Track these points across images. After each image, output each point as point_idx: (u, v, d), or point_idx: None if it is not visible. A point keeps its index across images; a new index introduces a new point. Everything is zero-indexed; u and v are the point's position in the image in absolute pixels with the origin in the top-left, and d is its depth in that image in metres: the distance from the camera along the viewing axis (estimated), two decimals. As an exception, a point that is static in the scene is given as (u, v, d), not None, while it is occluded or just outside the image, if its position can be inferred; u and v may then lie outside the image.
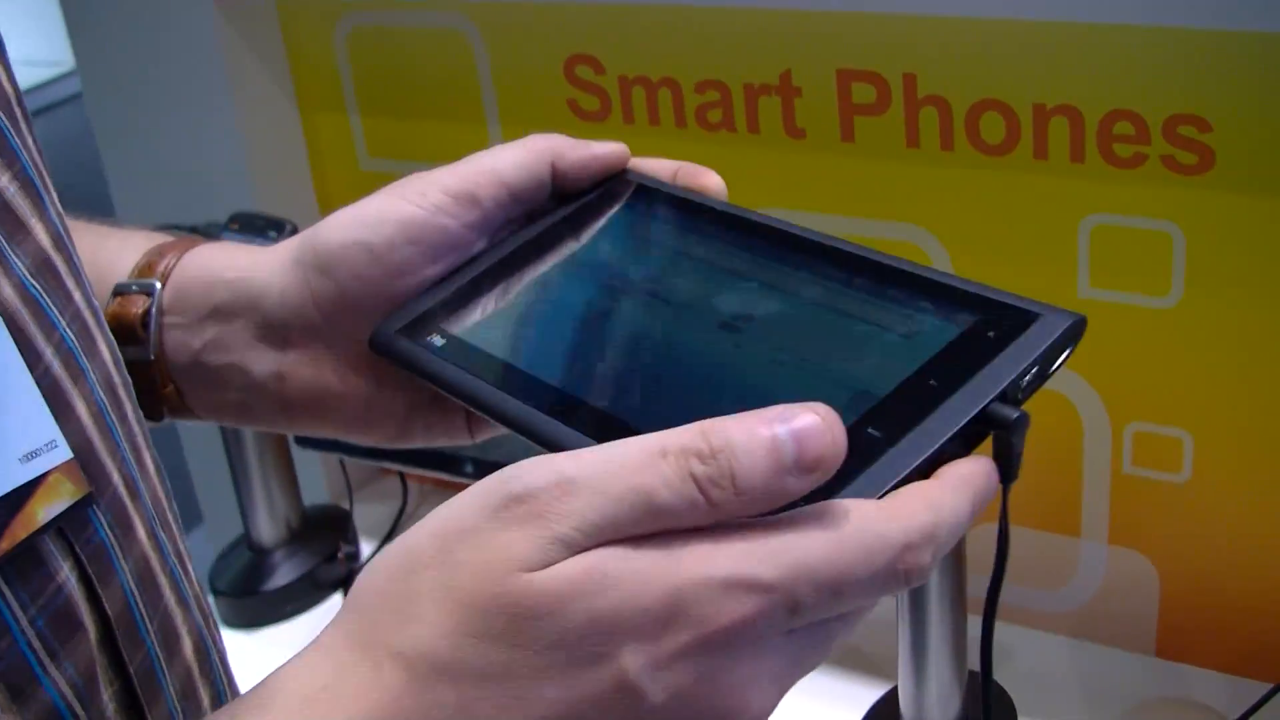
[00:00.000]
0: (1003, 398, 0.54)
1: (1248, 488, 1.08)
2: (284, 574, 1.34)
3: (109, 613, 0.56)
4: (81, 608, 0.54)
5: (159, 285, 0.70)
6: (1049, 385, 1.09)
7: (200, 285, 0.70)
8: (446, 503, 0.49)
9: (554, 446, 0.58)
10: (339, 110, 1.38)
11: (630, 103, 1.18)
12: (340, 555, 1.37)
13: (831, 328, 0.61)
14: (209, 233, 1.31)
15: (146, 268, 0.71)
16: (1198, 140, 0.98)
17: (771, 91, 1.12)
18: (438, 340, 0.65)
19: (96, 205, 1.53)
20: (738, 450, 0.46)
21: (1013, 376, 0.54)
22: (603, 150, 0.72)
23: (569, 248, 0.70)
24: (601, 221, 0.71)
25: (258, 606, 1.34)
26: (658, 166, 0.73)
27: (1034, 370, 0.55)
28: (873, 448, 0.52)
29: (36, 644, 0.52)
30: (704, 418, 0.48)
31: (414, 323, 0.67)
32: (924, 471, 0.51)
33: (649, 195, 0.72)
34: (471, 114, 1.28)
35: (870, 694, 1.13)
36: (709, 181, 0.71)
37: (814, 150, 1.12)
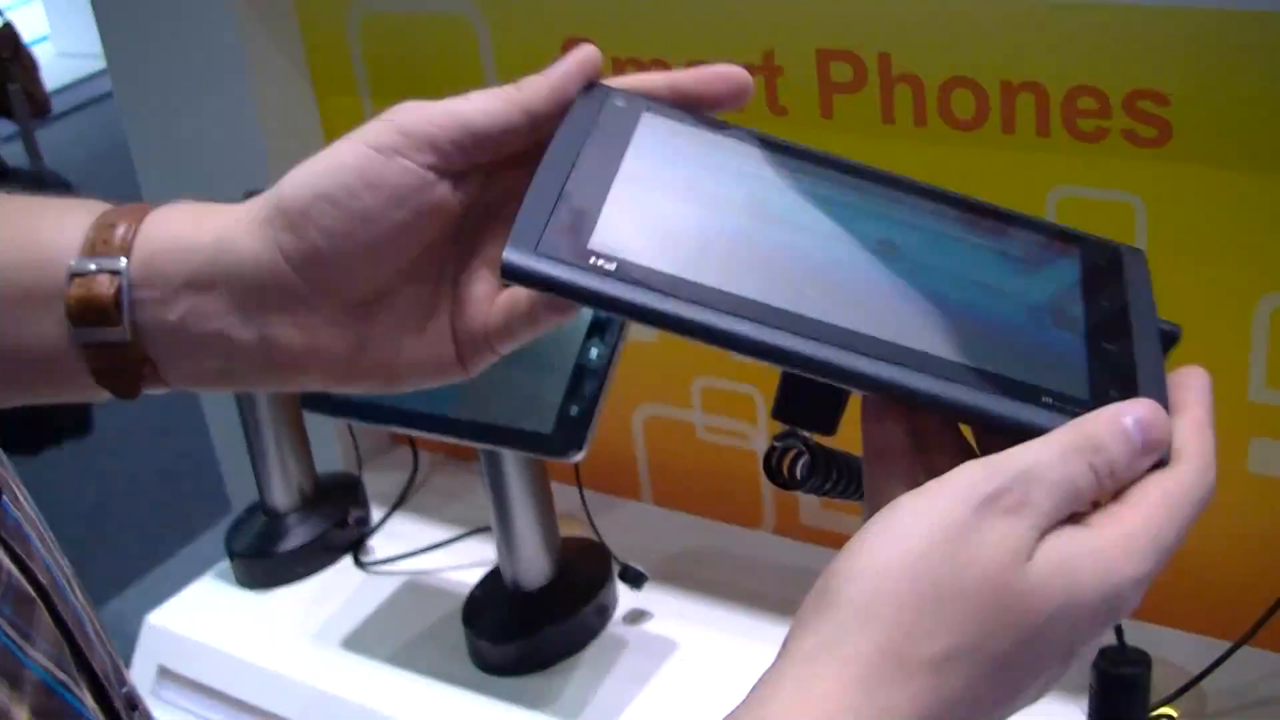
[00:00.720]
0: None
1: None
2: (296, 537, 1.40)
3: (43, 584, 0.58)
4: (26, 585, 0.57)
5: (124, 260, 0.65)
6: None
7: (171, 255, 0.65)
8: (924, 498, 0.53)
9: (833, 374, 0.58)
10: (352, 94, 1.43)
11: (623, 83, 1.23)
12: (350, 520, 1.43)
13: (977, 256, 0.64)
14: (226, 210, 1.36)
15: (101, 243, 0.66)
16: (1156, 114, 1.02)
17: (755, 70, 1.16)
18: (608, 265, 0.59)
19: (127, 189, 1.59)
20: (1110, 444, 0.54)
21: (1152, 301, 0.64)
22: (561, 65, 0.66)
23: (679, 155, 0.65)
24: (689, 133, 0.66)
25: (271, 568, 1.40)
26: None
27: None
28: (1122, 363, 0.60)
29: (11, 631, 0.54)
30: (944, 331, 0.58)
31: (555, 240, 0.59)
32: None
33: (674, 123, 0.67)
34: (476, 96, 1.33)
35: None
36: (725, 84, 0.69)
37: (796, 127, 1.17)
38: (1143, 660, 0.68)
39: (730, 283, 0.59)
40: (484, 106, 0.64)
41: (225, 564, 1.43)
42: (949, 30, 1.07)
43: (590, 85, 0.66)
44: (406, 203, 0.63)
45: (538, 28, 1.27)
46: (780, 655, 0.52)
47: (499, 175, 0.67)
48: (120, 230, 0.65)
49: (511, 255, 0.58)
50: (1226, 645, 1.09)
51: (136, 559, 2.65)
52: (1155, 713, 1.09)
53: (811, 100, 1.15)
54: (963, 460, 0.54)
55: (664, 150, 0.64)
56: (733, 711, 0.52)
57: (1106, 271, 0.65)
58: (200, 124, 1.49)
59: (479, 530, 1.41)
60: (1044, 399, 0.57)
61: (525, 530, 1.24)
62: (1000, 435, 0.56)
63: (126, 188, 1.60)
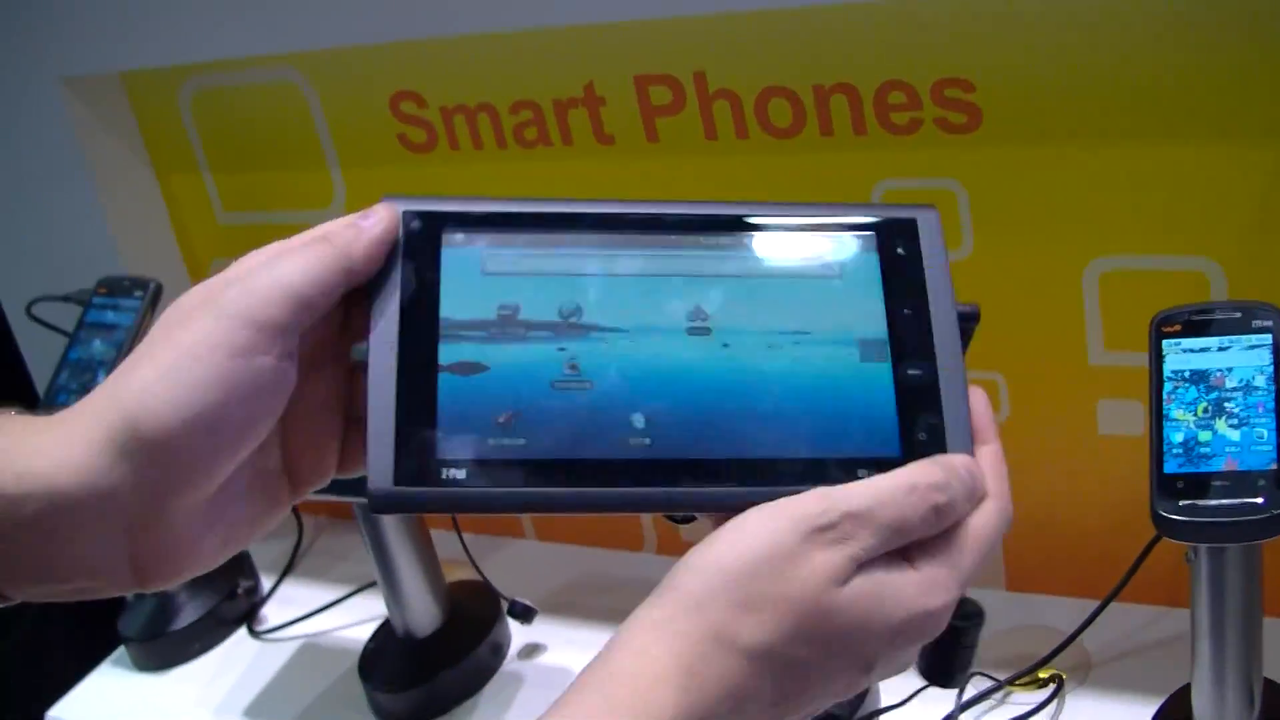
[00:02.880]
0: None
1: (1061, 419, 1.15)
2: (188, 614, 1.40)
3: None
4: None
5: None
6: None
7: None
8: (767, 516, 0.57)
9: (684, 507, 0.62)
10: (192, 170, 1.44)
11: (454, 131, 1.25)
12: (240, 592, 1.43)
13: (781, 292, 0.64)
14: (80, 299, 1.37)
15: None
16: (965, 100, 1.05)
17: (579, 104, 1.19)
18: (458, 473, 0.60)
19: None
20: (955, 489, 0.59)
21: (949, 278, 0.64)
22: (373, 227, 0.62)
23: (467, 322, 0.64)
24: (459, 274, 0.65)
25: (166, 648, 1.40)
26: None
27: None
28: (927, 393, 0.62)
29: None
30: (766, 431, 0.61)
31: (407, 468, 0.60)
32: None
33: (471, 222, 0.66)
34: (313, 160, 1.35)
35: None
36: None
37: (623, 154, 1.19)
38: (975, 613, 0.70)
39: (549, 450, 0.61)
40: (306, 272, 0.60)
41: (121, 650, 1.42)
42: (758, 42, 1.10)
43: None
44: (259, 400, 0.59)
45: (365, 86, 1.28)
46: (630, 620, 0.58)
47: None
48: None
49: (376, 490, 0.60)
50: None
51: (37, 649, 2.61)
52: (1042, 674, 1.12)
53: (635, 126, 1.17)
54: None
55: (473, 302, 0.64)
56: (588, 664, 0.57)
57: (905, 259, 0.65)
58: (44, 218, 1.49)
59: (368, 586, 1.42)
60: (859, 472, 0.60)
61: (410, 580, 1.25)
62: None
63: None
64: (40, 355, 1.54)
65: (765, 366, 0.62)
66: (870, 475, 0.59)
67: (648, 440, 0.61)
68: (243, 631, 1.43)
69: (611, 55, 1.16)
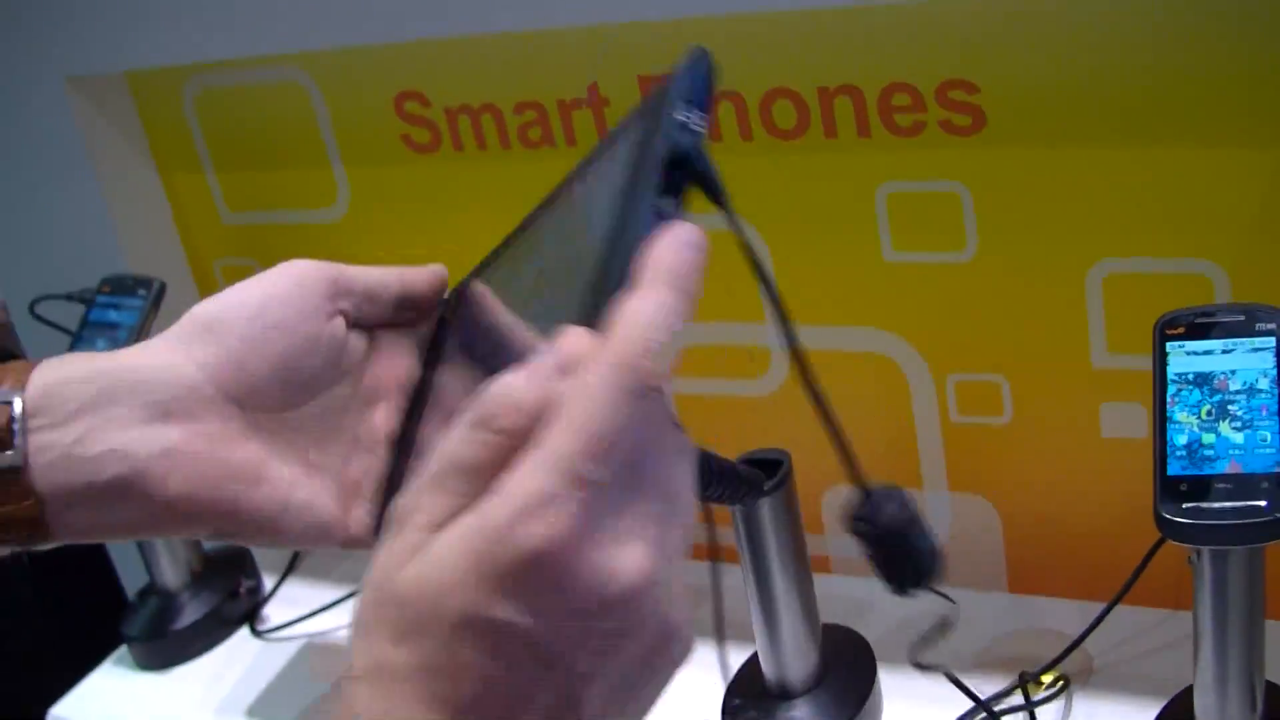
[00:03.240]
0: (681, 131, 0.56)
1: (1064, 422, 1.15)
2: (190, 614, 1.40)
3: None
4: None
5: (17, 394, 0.66)
6: (872, 349, 1.16)
7: (66, 387, 0.66)
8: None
9: None
10: (196, 170, 1.44)
11: (458, 131, 1.25)
12: (242, 591, 1.43)
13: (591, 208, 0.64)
14: (83, 298, 1.37)
15: None
16: (968, 102, 1.05)
17: (583, 104, 1.19)
18: None
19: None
20: (499, 415, 0.50)
21: (672, 120, 0.57)
22: (428, 271, 0.77)
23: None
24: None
25: (168, 647, 1.40)
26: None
27: (691, 102, 0.58)
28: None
29: None
30: None
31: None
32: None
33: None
34: (316, 160, 1.35)
35: (735, 660, 1.19)
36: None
37: (628, 154, 1.19)
38: (890, 500, 0.67)
39: None
40: (368, 269, 0.73)
41: (123, 649, 1.43)
42: (763, 43, 1.10)
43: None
44: (310, 319, 0.69)
45: (370, 86, 1.28)
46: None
47: (385, 360, 0.75)
48: (9, 376, 0.67)
49: None
50: (1103, 607, 1.12)
51: (39, 650, 2.61)
52: (1045, 677, 1.12)
53: (640, 127, 1.17)
54: None
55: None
56: None
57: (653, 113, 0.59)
58: (48, 216, 1.49)
59: (370, 585, 1.41)
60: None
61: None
62: None
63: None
64: (43, 354, 1.53)
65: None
66: None
67: None
68: (245, 631, 1.43)
69: (616, 55, 1.16)
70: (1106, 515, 1.17)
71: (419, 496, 0.50)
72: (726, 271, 1.14)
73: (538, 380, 0.50)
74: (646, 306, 0.50)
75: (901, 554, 0.68)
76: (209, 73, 1.37)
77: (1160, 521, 0.88)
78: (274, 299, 0.69)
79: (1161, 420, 0.91)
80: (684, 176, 0.56)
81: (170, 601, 1.41)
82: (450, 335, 0.73)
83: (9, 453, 0.65)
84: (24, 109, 1.43)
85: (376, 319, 0.75)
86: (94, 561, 1.72)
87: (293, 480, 0.70)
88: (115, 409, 0.66)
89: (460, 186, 1.28)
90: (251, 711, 1.31)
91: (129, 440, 0.66)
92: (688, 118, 0.57)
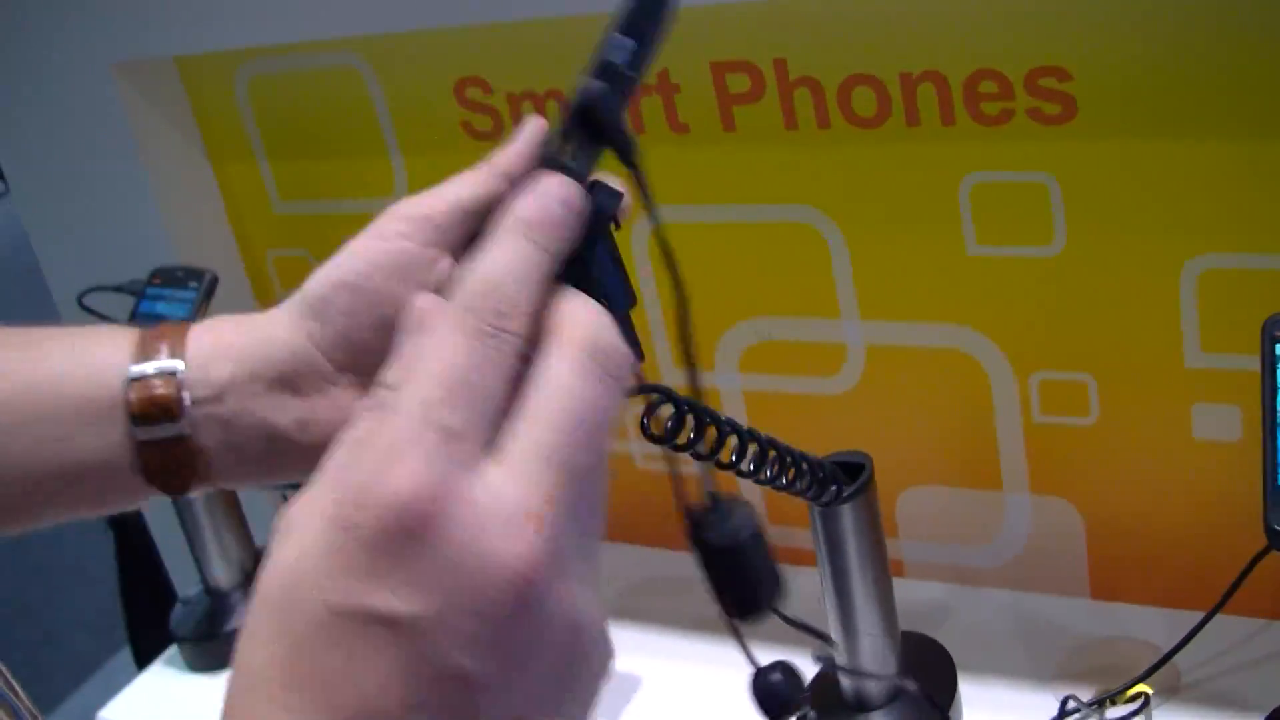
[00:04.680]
0: (599, 73, 0.51)
1: (1154, 423, 1.11)
2: (242, 614, 1.36)
3: None
4: None
5: (180, 364, 0.70)
6: (953, 345, 1.13)
7: (217, 358, 0.70)
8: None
9: None
10: (248, 159, 1.41)
11: (520, 118, 1.21)
12: (295, 591, 1.40)
13: None
14: (133, 290, 1.34)
15: (153, 352, 0.70)
16: (1059, 90, 1.01)
17: (652, 91, 1.15)
18: None
19: (34, 282, 1.57)
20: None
21: (595, 58, 0.52)
22: (521, 133, 0.70)
23: None
24: None
25: (219, 649, 1.37)
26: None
27: (627, 33, 0.53)
28: None
29: None
30: None
31: None
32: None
33: None
34: (373, 148, 1.31)
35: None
36: None
37: (699, 143, 1.15)
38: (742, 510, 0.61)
39: None
40: (469, 181, 0.70)
41: (173, 650, 1.40)
42: (842, 29, 1.06)
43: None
44: (411, 279, 0.68)
45: (427, 71, 1.24)
46: None
47: None
48: (167, 342, 0.70)
49: None
50: (1195, 615, 1.07)
51: (89, 653, 2.62)
52: (1131, 690, 1.07)
53: (711, 115, 1.13)
54: None
55: None
56: None
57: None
58: (98, 207, 1.46)
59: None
60: None
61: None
62: None
63: (34, 280, 1.58)
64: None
65: None
66: None
67: None
68: (297, 633, 1.39)
69: (687, 41, 1.11)
70: (1196, 521, 1.13)
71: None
72: (801, 266, 1.10)
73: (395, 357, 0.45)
74: (491, 256, 0.47)
75: (740, 575, 0.62)
76: (262, 58, 1.34)
77: (1271, 533, 0.84)
78: (374, 266, 0.69)
79: (1272, 426, 0.87)
80: (591, 126, 0.51)
81: (222, 602, 1.38)
82: None
83: (181, 421, 0.69)
84: (71, 96, 1.40)
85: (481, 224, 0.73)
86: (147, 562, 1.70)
87: None
88: (255, 384, 0.70)
89: (522, 176, 1.24)
90: (305, 716, 1.28)
91: (271, 412, 0.70)
92: (613, 56, 0.52)
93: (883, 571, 1.04)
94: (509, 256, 0.47)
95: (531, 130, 0.71)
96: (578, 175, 0.49)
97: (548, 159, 0.50)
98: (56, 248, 1.53)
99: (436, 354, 0.44)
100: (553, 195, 0.49)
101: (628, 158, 0.52)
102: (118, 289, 1.37)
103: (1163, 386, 1.09)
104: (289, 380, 0.70)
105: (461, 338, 0.45)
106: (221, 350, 0.71)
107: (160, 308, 1.31)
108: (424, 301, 0.46)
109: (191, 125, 1.42)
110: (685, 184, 1.18)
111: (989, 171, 1.07)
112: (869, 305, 1.16)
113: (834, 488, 0.98)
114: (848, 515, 1.00)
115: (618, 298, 0.52)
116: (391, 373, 0.45)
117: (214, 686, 1.35)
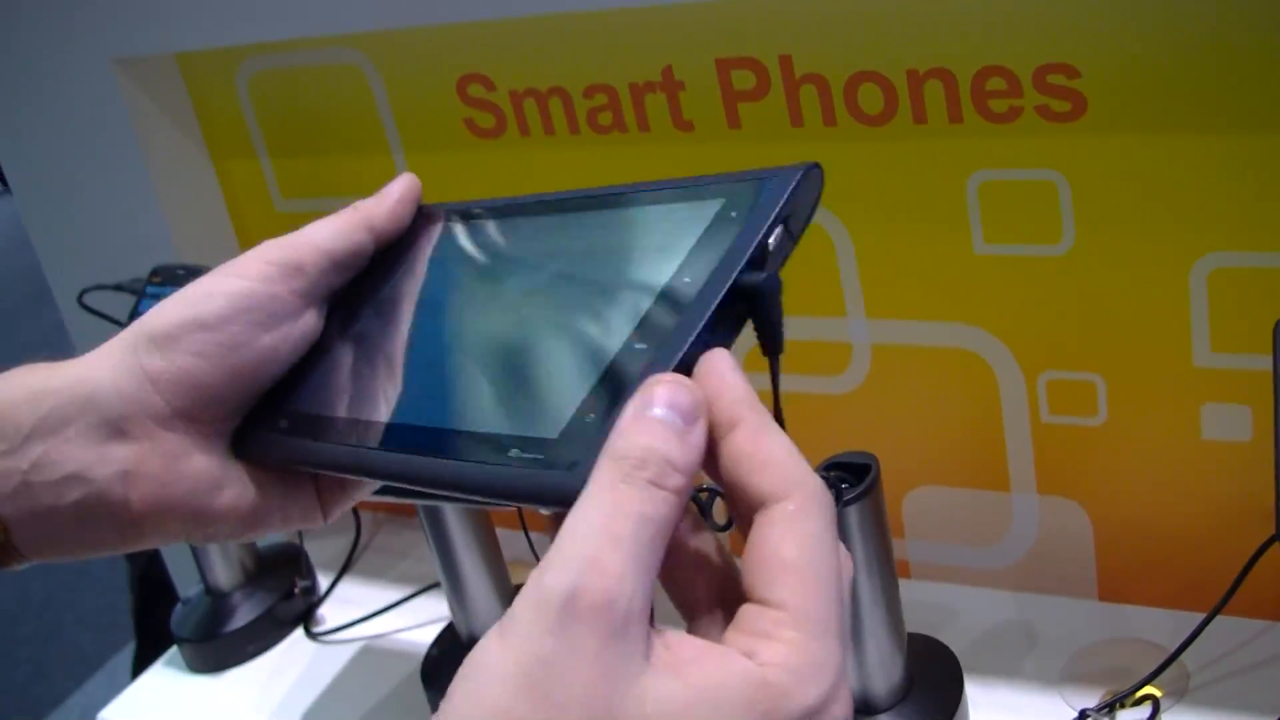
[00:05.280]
0: (751, 266, 0.52)
1: (1162, 423, 1.10)
2: (243, 615, 1.36)
3: None
4: None
5: None
6: (960, 344, 1.12)
7: (21, 405, 0.63)
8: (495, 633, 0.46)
9: (430, 483, 0.57)
10: (249, 155, 1.40)
11: (524, 115, 1.20)
12: (297, 591, 1.39)
13: (598, 263, 0.60)
14: (133, 289, 1.33)
15: None
16: (1068, 87, 1.00)
17: (656, 88, 1.14)
18: (284, 422, 0.65)
19: (30, 275, 1.56)
20: (656, 444, 0.47)
21: (754, 243, 0.53)
22: (394, 189, 0.71)
23: (376, 292, 0.69)
24: (400, 257, 0.70)
25: (221, 649, 1.36)
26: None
27: (775, 231, 0.54)
28: (638, 363, 0.51)
29: None
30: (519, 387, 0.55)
31: (260, 414, 0.67)
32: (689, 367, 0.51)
33: (434, 217, 0.72)
34: (375, 145, 1.30)
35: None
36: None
37: (703, 141, 1.14)
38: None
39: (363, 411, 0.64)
40: (338, 231, 0.68)
41: (174, 651, 1.39)
42: (848, 25, 1.05)
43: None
44: (274, 329, 0.66)
45: (431, 69, 1.23)
46: None
47: None
48: None
49: (233, 430, 0.67)
50: (1201, 617, 1.07)
51: (91, 652, 2.61)
52: (1140, 693, 1.07)
53: (716, 112, 1.12)
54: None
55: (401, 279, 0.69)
56: None
57: (729, 222, 0.55)
58: (96, 204, 1.45)
59: (430, 587, 1.37)
60: (511, 452, 0.52)
61: (475, 582, 1.20)
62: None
63: (34, 279, 1.57)
64: (92, 346, 1.50)
65: (548, 333, 0.59)
66: (522, 455, 0.51)
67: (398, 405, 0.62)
68: (299, 633, 1.39)
69: (691, 37, 1.11)
70: (1205, 521, 1.12)
71: (620, 583, 0.44)
72: (805, 265, 1.09)
73: (677, 433, 0.48)
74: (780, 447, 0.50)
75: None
76: (264, 55, 1.33)
77: (1284, 535, 0.83)
78: (235, 309, 0.65)
79: (1284, 427, 0.86)
80: (746, 309, 0.53)
81: (223, 602, 1.37)
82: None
83: None
84: (70, 91, 1.39)
85: (344, 275, 0.70)
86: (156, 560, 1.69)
87: (260, 479, 0.68)
88: (67, 429, 0.64)
89: (526, 173, 1.23)
90: (306, 716, 1.27)
91: (85, 463, 0.64)
92: (780, 249, 0.54)
93: (889, 573, 1.03)
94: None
95: (405, 189, 0.71)
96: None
97: (715, 327, 0.51)
98: (56, 245, 1.52)
99: (819, 561, 0.47)
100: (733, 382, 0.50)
101: (776, 350, 0.53)
102: (118, 287, 1.36)
103: (1172, 386, 1.08)
104: (114, 424, 0.64)
105: (832, 540, 0.49)
106: (30, 399, 0.64)
107: (161, 306, 1.30)
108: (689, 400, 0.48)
109: (193, 122, 1.41)
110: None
111: (997, 169, 1.05)
112: (875, 304, 1.15)
113: (841, 488, 0.97)
114: (854, 516, 0.99)
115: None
116: (682, 457, 0.47)
117: (214, 687, 1.34)
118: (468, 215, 0.70)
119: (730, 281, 0.52)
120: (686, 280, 0.53)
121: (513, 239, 0.67)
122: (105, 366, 0.65)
